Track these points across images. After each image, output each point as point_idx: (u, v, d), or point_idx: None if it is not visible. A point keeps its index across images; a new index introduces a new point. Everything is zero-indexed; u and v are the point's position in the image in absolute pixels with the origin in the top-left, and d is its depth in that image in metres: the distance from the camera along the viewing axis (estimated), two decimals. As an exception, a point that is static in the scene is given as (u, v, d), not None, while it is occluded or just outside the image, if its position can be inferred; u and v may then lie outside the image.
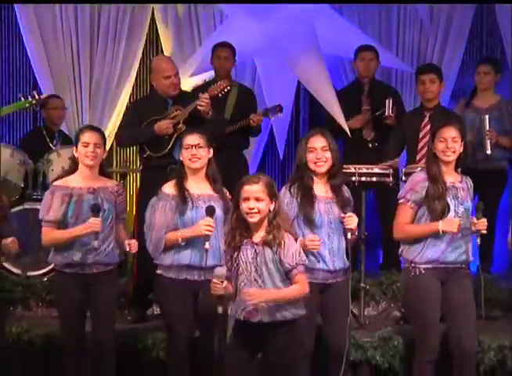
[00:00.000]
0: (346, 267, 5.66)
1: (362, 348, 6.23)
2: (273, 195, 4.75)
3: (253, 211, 4.66)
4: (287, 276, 4.73)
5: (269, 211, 4.72)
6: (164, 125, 6.71)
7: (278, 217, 4.77)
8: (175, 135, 6.70)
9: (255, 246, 4.72)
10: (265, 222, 4.74)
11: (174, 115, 6.78)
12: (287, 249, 4.72)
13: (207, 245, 5.11)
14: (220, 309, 4.59)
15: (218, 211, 5.40)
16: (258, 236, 4.73)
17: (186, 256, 5.45)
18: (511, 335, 6.36)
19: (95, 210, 5.43)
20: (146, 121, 6.80)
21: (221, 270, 4.63)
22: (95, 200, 5.56)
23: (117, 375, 5.77)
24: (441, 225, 5.49)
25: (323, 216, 5.54)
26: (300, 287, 4.75)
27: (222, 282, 4.58)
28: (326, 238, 5.50)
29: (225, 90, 7.18)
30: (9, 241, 5.43)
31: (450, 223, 5.48)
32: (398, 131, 7.59)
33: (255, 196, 4.68)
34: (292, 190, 5.61)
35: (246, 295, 4.61)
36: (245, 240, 4.71)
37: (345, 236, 5.54)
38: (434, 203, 5.55)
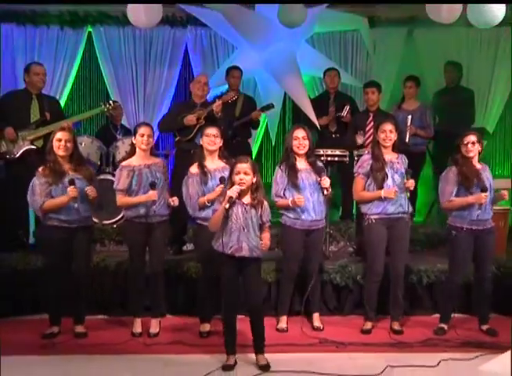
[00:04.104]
0: (324, 217, 5.83)
1: (327, 272, 6.33)
2: (255, 171, 4.88)
3: (242, 181, 4.79)
4: (261, 226, 4.92)
5: (252, 183, 4.84)
6: (190, 118, 6.82)
7: (259, 187, 4.91)
8: (197, 127, 6.80)
9: (245, 206, 4.84)
10: (249, 190, 4.86)
11: (198, 113, 6.85)
12: (265, 210, 4.90)
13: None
14: (228, 205, 4.75)
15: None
16: (246, 199, 4.85)
17: (209, 212, 5.50)
18: (425, 263, 6.50)
19: (152, 185, 5.51)
20: (180, 116, 6.86)
21: (236, 187, 4.77)
22: (151, 173, 5.64)
23: (164, 288, 5.86)
24: (382, 193, 5.66)
25: (304, 182, 5.69)
26: (269, 234, 4.97)
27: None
28: (308, 196, 5.66)
29: (233, 98, 7.42)
30: (88, 188, 5.53)
31: (389, 191, 5.63)
32: (352, 128, 7.59)
33: (244, 171, 4.81)
34: (282, 168, 5.78)
35: (265, 246, 4.90)
36: (237, 201, 4.81)
37: (323, 193, 5.69)
38: (376, 174, 5.71)
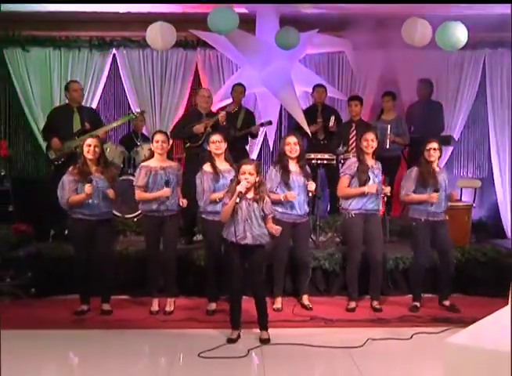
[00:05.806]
0: (307, 212, 5.83)
1: (317, 259, 6.36)
2: (259, 172, 4.88)
3: (247, 180, 4.79)
4: (265, 218, 4.88)
5: (255, 181, 4.84)
6: (198, 127, 6.87)
7: (261, 185, 4.92)
8: (205, 134, 6.83)
9: (248, 201, 4.85)
10: (253, 187, 4.87)
11: (205, 122, 6.89)
12: (266, 203, 4.88)
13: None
14: (238, 199, 4.75)
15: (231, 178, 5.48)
16: (249, 194, 4.86)
17: (214, 207, 5.56)
18: (401, 251, 6.50)
19: (167, 183, 5.56)
20: (188, 126, 6.91)
21: (244, 183, 4.78)
22: (165, 174, 5.66)
23: (176, 275, 5.90)
24: (366, 189, 5.71)
25: (294, 182, 5.69)
26: (272, 223, 4.94)
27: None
28: (296, 195, 5.63)
29: (235, 110, 7.54)
30: (109, 191, 5.60)
31: (372, 186, 5.70)
32: (337, 135, 7.63)
33: (249, 171, 4.82)
34: (276, 168, 5.79)
35: (277, 230, 4.89)
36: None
37: (308, 194, 5.72)
38: (361, 174, 5.76)
